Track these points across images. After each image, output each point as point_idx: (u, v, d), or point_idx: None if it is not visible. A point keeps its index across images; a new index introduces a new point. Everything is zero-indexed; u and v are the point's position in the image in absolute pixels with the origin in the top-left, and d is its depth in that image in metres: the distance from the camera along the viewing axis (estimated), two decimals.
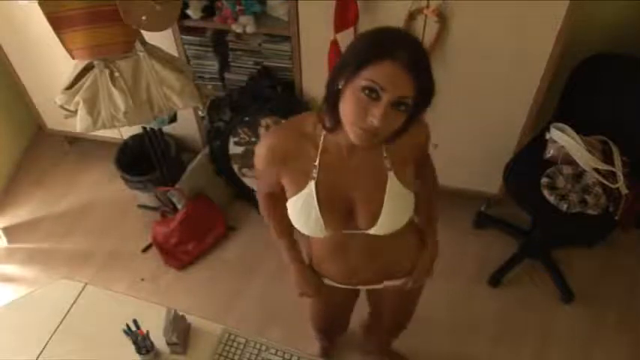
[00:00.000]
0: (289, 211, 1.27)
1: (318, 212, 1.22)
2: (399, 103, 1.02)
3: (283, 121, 1.26)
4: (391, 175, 1.22)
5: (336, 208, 1.24)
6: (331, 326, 1.96)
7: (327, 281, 1.53)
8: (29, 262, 2.64)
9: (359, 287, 1.59)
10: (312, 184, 1.21)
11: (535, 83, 2.07)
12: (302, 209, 1.23)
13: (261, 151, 1.24)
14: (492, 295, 2.42)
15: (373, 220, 1.25)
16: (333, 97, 1.09)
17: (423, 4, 1.91)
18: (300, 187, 1.23)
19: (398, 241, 1.38)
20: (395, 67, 1.00)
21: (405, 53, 1.00)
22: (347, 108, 1.06)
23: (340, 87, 1.06)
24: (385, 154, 1.22)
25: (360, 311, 1.90)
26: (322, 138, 1.19)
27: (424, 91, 1.04)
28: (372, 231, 1.27)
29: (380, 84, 1.00)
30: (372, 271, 1.47)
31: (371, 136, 1.05)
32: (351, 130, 1.07)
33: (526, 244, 2.50)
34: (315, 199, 1.21)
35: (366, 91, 1.01)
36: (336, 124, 1.12)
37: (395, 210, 1.25)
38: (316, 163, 1.20)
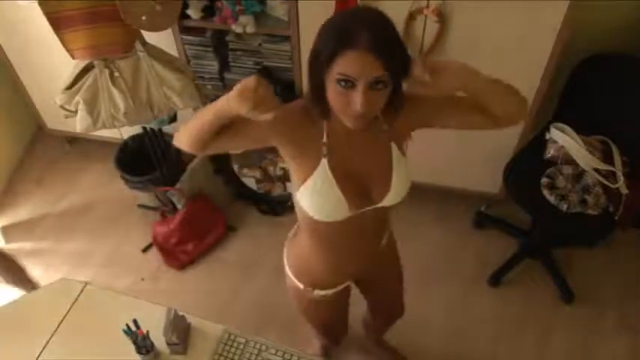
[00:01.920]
0: (305, 200, 1.25)
1: (338, 189, 1.22)
2: (376, 83, 1.04)
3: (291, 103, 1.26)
4: (393, 145, 1.25)
5: (351, 186, 1.25)
6: (331, 330, 1.95)
7: (318, 292, 1.53)
8: (29, 261, 2.64)
9: (348, 282, 1.60)
10: (324, 162, 1.21)
11: (535, 83, 2.07)
12: (322, 190, 1.22)
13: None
14: (492, 295, 2.42)
15: (385, 191, 1.26)
16: (317, 90, 1.11)
17: (423, 4, 1.91)
18: (311, 169, 1.22)
19: (385, 222, 1.46)
20: (359, 54, 1.01)
21: (365, 36, 1.01)
22: (331, 99, 1.09)
23: (322, 79, 1.09)
24: (386, 127, 1.23)
25: (359, 308, 1.90)
26: (325, 121, 1.21)
27: (396, 64, 1.05)
28: (385, 202, 1.28)
29: (350, 75, 1.02)
30: (362, 257, 1.49)
31: (361, 120, 1.09)
32: (342, 118, 1.11)
33: (526, 244, 2.50)
34: (331, 175, 1.21)
35: (342, 83, 1.04)
36: (327, 111, 1.15)
37: (402, 178, 1.27)
38: (324, 140, 1.21)
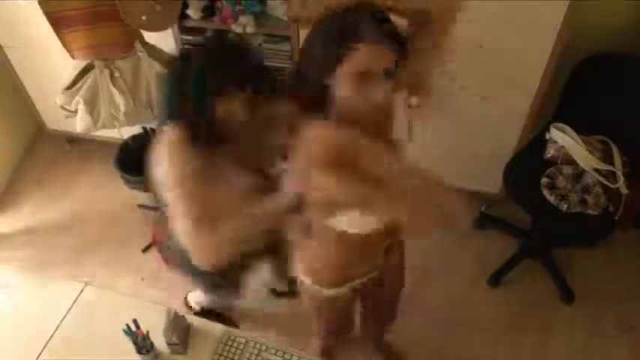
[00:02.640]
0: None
1: None
2: (387, 72, 1.07)
3: None
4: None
5: None
6: (338, 329, 1.97)
7: (329, 292, 1.53)
8: (29, 262, 2.64)
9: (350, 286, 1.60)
10: None
11: (535, 83, 2.07)
12: None
13: None
14: (492, 295, 2.42)
15: None
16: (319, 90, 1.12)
17: None
18: None
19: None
20: (371, 47, 1.03)
21: (372, 28, 1.03)
22: (344, 93, 1.09)
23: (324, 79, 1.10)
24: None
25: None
26: None
27: (401, 48, 1.08)
28: None
29: (367, 68, 1.04)
30: (365, 260, 1.50)
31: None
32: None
33: (526, 244, 2.50)
34: None
35: (358, 77, 1.06)
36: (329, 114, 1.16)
37: None
38: None
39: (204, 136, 1.25)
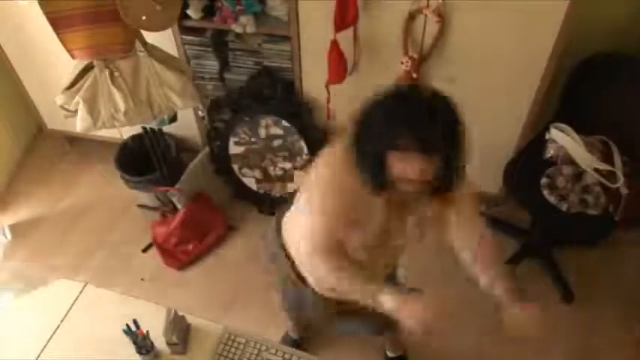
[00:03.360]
0: None
1: None
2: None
3: None
4: None
5: None
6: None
7: None
8: (29, 262, 2.64)
9: None
10: None
11: (535, 83, 2.07)
12: None
13: None
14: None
15: None
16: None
17: (423, 4, 1.91)
18: None
19: None
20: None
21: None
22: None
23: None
24: None
25: None
26: None
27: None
28: None
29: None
30: None
31: None
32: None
33: (526, 244, 2.50)
34: None
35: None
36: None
37: None
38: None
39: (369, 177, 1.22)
